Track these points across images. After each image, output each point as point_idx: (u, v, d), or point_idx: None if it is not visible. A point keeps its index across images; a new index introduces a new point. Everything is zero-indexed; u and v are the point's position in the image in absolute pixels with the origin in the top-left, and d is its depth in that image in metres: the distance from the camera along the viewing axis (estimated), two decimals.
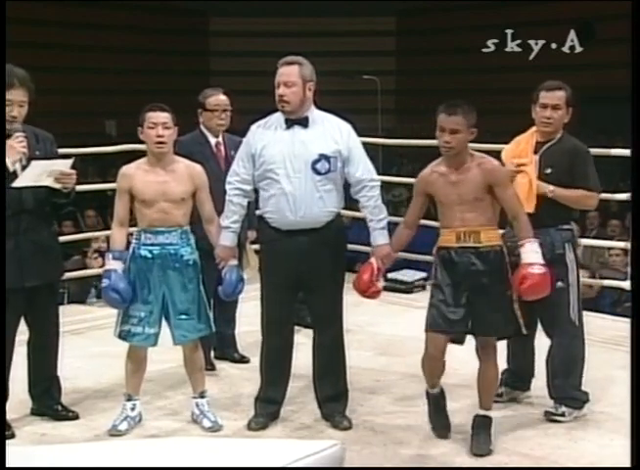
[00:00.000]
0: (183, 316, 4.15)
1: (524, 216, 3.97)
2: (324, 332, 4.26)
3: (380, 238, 4.17)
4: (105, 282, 4.09)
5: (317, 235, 4.13)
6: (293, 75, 4.09)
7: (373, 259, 4.14)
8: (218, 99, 5.03)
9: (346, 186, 4.24)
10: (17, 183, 3.95)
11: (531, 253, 3.90)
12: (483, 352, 4.03)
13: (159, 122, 4.07)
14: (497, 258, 3.93)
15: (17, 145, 3.97)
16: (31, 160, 4.01)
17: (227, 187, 4.23)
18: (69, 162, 4.07)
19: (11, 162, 3.97)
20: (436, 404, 4.14)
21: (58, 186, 4.03)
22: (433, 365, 4.03)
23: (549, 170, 4.28)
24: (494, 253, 3.93)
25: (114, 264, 4.09)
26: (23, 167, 3.99)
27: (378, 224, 4.18)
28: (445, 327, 3.95)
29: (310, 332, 4.37)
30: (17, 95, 4.00)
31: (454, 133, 3.86)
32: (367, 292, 4.14)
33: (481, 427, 4.02)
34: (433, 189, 4.01)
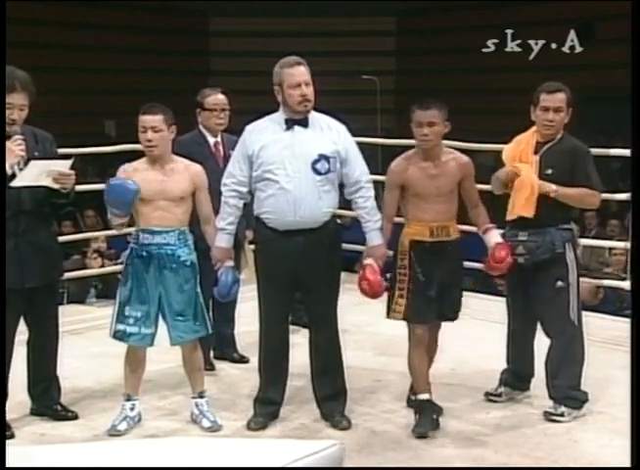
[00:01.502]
0: (179, 317, 4.14)
1: (482, 205, 4.31)
2: (320, 332, 4.26)
3: (377, 238, 4.20)
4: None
5: (314, 235, 4.13)
6: (307, 75, 4.12)
7: (371, 260, 4.15)
8: (217, 98, 5.02)
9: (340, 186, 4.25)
10: (15, 183, 3.94)
11: (499, 236, 4.27)
12: (434, 331, 4.28)
13: (147, 127, 4.08)
14: (458, 249, 4.26)
15: (15, 148, 3.96)
16: (30, 161, 4.00)
17: (223, 189, 4.22)
18: (69, 162, 4.06)
19: (9, 165, 3.96)
20: (429, 410, 4.14)
21: (56, 186, 4.01)
22: (419, 357, 4.15)
23: (550, 171, 4.27)
24: (457, 244, 4.24)
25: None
26: (22, 171, 3.98)
27: (375, 225, 4.19)
28: (425, 318, 4.17)
29: (307, 332, 4.38)
30: (18, 99, 4.00)
31: (431, 126, 4.07)
32: (381, 293, 4.17)
33: None
34: (409, 181, 4.16)
